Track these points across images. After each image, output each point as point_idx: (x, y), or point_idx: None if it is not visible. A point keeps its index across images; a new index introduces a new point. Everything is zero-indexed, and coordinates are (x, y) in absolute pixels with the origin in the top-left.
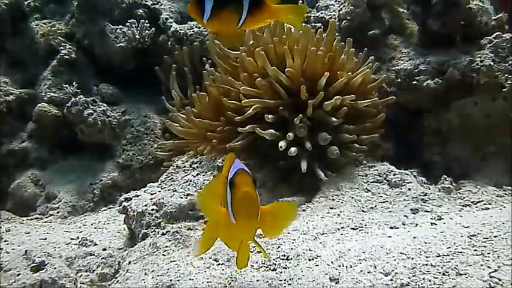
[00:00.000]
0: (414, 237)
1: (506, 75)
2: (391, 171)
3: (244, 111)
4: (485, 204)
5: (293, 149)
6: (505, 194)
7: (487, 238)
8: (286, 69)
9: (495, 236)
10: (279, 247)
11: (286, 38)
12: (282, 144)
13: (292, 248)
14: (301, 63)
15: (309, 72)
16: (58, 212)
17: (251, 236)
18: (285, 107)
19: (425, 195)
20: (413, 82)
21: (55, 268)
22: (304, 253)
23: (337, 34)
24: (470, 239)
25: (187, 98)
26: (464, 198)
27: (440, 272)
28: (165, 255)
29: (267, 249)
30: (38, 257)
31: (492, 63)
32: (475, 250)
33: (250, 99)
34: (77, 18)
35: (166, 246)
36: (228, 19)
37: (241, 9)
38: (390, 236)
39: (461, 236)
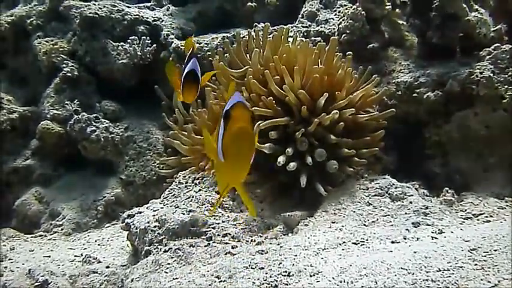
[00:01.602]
0: (415, 252)
1: (506, 86)
2: (393, 184)
3: None
4: (486, 216)
5: (292, 164)
6: (507, 205)
7: (488, 252)
8: (284, 86)
9: (495, 250)
10: (280, 263)
11: (286, 55)
12: (280, 159)
13: (293, 264)
14: (300, 82)
15: (309, 91)
16: (62, 229)
17: (239, 179)
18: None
19: (427, 208)
20: (414, 94)
21: (58, 287)
22: (305, 269)
23: (337, 48)
24: (471, 253)
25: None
26: (466, 210)
27: (440, 287)
28: (167, 273)
29: (268, 265)
30: (42, 276)
31: (492, 74)
32: (475, 264)
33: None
34: (78, 35)
35: (168, 264)
36: None
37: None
38: (391, 251)
39: (462, 250)
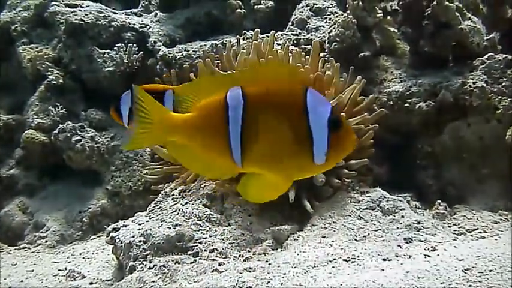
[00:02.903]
0: (407, 272)
1: (499, 97)
2: (384, 197)
3: None
4: (480, 232)
5: None
6: (501, 219)
7: (482, 272)
8: None
9: (490, 270)
10: (268, 282)
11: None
12: None
13: (282, 283)
14: None
15: None
16: (46, 241)
17: None
18: None
19: (419, 223)
20: (406, 104)
21: None
22: None
23: (327, 56)
24: (465, 273)
25: None
26: (459, 225)
27: None
28: None
29: (256, 284)
30: None
31: (485, 84)
32: (469, 286)
33: None
34: (64, 42)
35: (153, 281)
36: None
37: None
38: (383, 269)
39: (456, 270)
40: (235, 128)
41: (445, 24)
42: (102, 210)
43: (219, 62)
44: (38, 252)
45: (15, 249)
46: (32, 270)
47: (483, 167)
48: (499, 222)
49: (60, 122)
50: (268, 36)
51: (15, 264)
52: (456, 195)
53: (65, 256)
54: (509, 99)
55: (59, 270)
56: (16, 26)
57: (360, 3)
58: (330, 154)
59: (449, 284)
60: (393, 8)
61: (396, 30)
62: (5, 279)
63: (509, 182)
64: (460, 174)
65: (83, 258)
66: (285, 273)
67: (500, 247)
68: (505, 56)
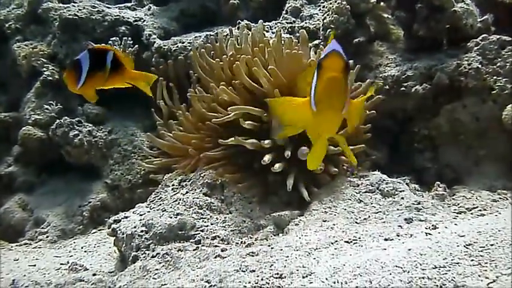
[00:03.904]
0: (409, 249)
1: (494, 77)
2: (383, 180)
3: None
4: (480, 210)
5: (277, 165)
6: (500, 198)
7: (484, 247)
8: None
9: (492, 245)
10: (271, 265)
11: (263, 47)
12: (266, 158)
13: (285, 266)
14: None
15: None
16: (47, 237)
17: (333, 129)
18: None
19: (419, 203)
20: (402, 88)
21: None
22: (297, 270)
23: (322, 43)
24: (467, 248)
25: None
26: (458, 204)
27: (437, 285)
28: (155, 279)
29: (259, 268)
30: (26, 287)
31: (480, 65)
32: (472, 260)
33: (234, 107)
34: (58, 38)
35: (156, 269)
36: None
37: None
38: (385, 249)
39: (458, 246)
40: None
41: (438, 7)
42: (102, 204)
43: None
44: (39, 248)
45: (16, 245)
46: (35, 265)
47: (480, 148)
48: (498, 201)
49: (57, 118)
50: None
51: (17, 260)
52: (454, 177)
53: (66, 250)
54: (504, 80)
55: (61, 264)
56: (10, 23)
57: None
58: (316, 98)
59: (452, 259)
60: None
61: (390, 16)
62: (7, 274)
63: (506, 162)
64: (458, 156)
65: (85, 251)
66: (287, 256)
67: (500, 222)
68: (499, 37)
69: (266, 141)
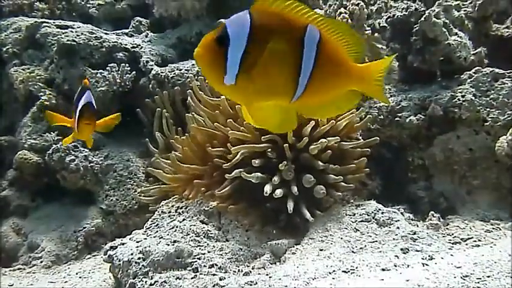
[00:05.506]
0: (407, 280)
1: (487, 109)
2: (379, 209)
3: (230, 157)
4: (475, 241)
5: (279, 191)
6: (493, 229)
7: (481, 278)
8: None
9: (488, 276)
10: None
11: None
12: (267, 189)
13: None
14: None
15: None
16: (41, 262)
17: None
18: (272, 150)
19: (414, 233)
20: (396, 119)
21: None
22: None
23: None
24: (464, 279)
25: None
26: (453, 234)
27: None
28: None
29: None
30: None
31: (473, 97)
32: None
33: (239, 146)
34: (56, 63)
35: None
36: None
37: None
38: (383, 279)
39: (455, 277)
40: None
41: (432, 40)
42: (97, 230)
43: None
44: (33, 273)
45: (10, 270)
46: None
47: (473, 178)
48: (491, 231)
49: (53, 143)
50: None
51: (11, 285)
52: (448, 207)
53: (61, 276)
54: (497, 112)
55: None
56: (7, 47)
57: (349, 20)
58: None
59: None
60: (381, 25)
61: (385, 47)
62: None
63: (498, 192)
64: (451, 186)
65: (80, 277)
66: (286, 286)
67: (496, 254)
68: (492, 70)
69: (275, 178)
